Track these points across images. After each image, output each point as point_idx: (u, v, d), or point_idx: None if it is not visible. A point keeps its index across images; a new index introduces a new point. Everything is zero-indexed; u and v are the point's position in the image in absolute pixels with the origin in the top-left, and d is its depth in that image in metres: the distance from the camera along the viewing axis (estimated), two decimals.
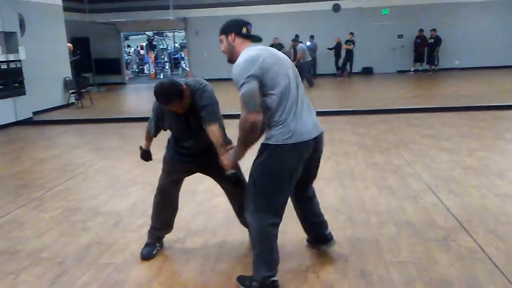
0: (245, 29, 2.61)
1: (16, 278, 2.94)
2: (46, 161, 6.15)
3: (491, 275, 2.72)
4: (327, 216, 3.70)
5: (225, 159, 2.68)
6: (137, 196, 4.48)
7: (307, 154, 2.56)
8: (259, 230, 2.54)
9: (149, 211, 3.66)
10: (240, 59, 2.44)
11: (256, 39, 2.64)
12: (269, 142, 2.46)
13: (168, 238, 3.31)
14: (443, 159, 5.30)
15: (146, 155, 3.34)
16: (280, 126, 2.44)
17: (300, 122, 2.48)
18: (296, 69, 2.65)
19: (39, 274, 2.98)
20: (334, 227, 3.51)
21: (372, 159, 5.44)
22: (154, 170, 5.39)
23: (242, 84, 2.36)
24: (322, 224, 3.05)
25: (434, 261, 2.92)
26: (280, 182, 2.50)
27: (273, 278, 2.55)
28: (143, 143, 3.31)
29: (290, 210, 2.83)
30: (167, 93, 2.72)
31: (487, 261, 2.89)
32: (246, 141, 2.46)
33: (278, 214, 2.55)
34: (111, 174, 5.39)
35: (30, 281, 2.90)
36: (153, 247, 3.19)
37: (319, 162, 2.81)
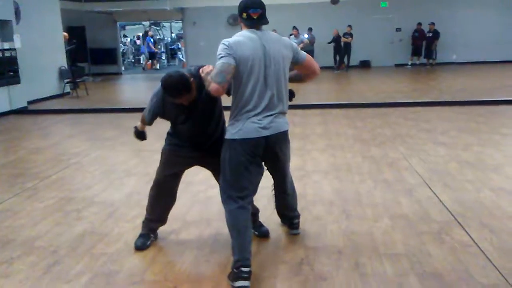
0: (245, 14, 2.70)
1: (9, 267, 2.93)
2: (41, 151, 6.12)
3: (484, 268, 2.73)
4: (321, 209, 3.72)
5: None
6: (132, 187, 4.47)
7: (260, 150, 2.71)
8: (228, 215, 2.73)
9: (144, 201, 3.64)
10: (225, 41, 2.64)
11: (255, 23, 2.70)
12: (225, 137, 2.75)
13: (163, 229, 3.30)
14: (439, 153, 5.30)
15: (141, 135, 3.19)
16: (232, 121, 2.70)
17: (253, 120, 2.64)
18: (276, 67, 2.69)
19: (33, 263, 2.97)
20: (329, 220, 3.53)
21: (368, 153, 5.44)
22: (150, 160, 5.40)
23: (221, 57, 2.58)
24: (292, 218, 3.26)
25: (427, 254, 2.93)
26: (238, 172, 2.70)
27: (242, 268, 2.56)
28: (138, 124, 3.20)
29: None
30: (176, 87, 2.68)
31: (480, 255, 2.90)
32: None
33: (242, 198, 2.72)
34: (106, 164, 5.37)
35: (23, 270, 2.89)
36: (147, 238, 3.18)
37: (280, 161, 2.92)
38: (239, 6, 2.73)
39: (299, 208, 3.33)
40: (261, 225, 3.29)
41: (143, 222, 3.22)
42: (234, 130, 2.67)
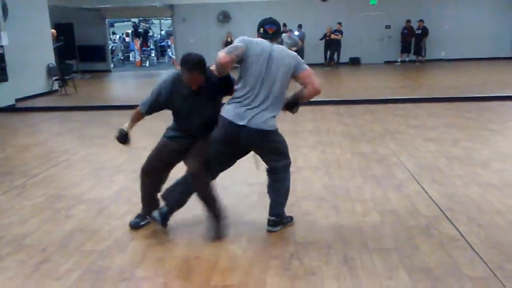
0: (262, 29, 3.16)
1: None
2: (29, 149, 6.06)
3: (472, 262, 2.77)
4: (311, 204, 3.74)
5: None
6: (121, 184, 4.45)
7: (232, 136, 3.00)
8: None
9: (134, 199, 3.65)
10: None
11: (270, 37, 3.12)
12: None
13: (152, 226, 3.29)
14: (428, 149, 5.35)
15: (124, 138, 3.33)
16: (228, 102, 3.07)
17: (239, 106, 2.98)
18: (284, 70, 3.02)
19: (22, 260, 2.95)
20: (318, 215, 3.55)
21: (358, 149, 5.47)
22: (139, 158, 5.35)
23: (235, 43, 3.04)
24: (271, 211, 3.27)
25: (416, 248, 2.96)
26: (214, 146, 3.09)
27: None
28: (124, 125, 3.29)
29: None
30: (195, 61, 3.00)
31: (468, 249, 2.93)
32: (216, 67, 3.03)
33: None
34: (95, 161, 5.33)
35: (12, 267, 2.87)
36: (141, 219, 3.35)
37: (266, 153, 3.17)
38: (259, 23, 3.19)
39: (288, 203, 3.34)
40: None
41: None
42: (223, 110, 3.06)
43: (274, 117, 3.06)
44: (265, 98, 2.99)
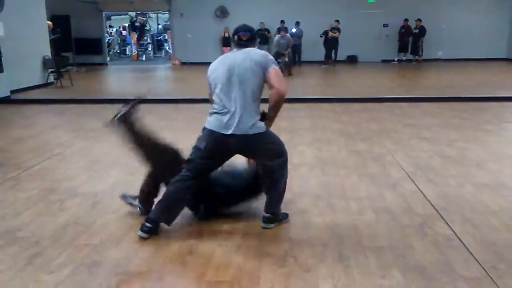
0: (236, 36, 3.21)
1: None
2: (23, 141, 6.02)
3: (466, 261, 2.78)
4: (307, 202, 3.74)
5: None
6: (116, 178, 4.43)
7: (222, 145, 3.00)
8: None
9: (128, 192, 3.62)
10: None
11: (242, 44, 3.18)
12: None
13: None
14: (423, 148, 5.36)
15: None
16: (210, 114, 3.10)
17: (220, 116, 3.01)
18: (250, 72, 3.03)
19: (15, 253, 2.93)
20: (314, 213, 3.55)
21: (354, 147, 5.47)
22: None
23: None
24: (266, 208, 3.26)
25: (410, 247, 2.97)
26: (196, 154, 3.08)
27: (144, 222, 3.09)
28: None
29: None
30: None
31: (462, 248, 2.94)
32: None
33: (190, 170, 3.09)
34: (90, 155, 5.31)
35: (5, 260, 2.85)
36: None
37: (251, 155, 3.22)
38: (234, 30, 3.24)
39: (284, 200, 3.34)
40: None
41: None
42: (207, 122, 3.10)
43: (260, 120, 3.06)
44: (239, 101, 2.98)
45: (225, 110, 3.00)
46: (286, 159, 3.23)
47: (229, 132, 2.97)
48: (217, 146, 3.03)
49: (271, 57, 3.15)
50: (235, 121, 2.97)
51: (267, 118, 3.14)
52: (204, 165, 3.12)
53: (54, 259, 2.85)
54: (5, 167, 4.83)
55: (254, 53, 3.10)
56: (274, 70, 3.05)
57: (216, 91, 3.09)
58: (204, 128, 3.09)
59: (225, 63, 3.10)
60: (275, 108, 3.11)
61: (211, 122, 3.05)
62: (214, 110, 3.07)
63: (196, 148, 3.11)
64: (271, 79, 3.04)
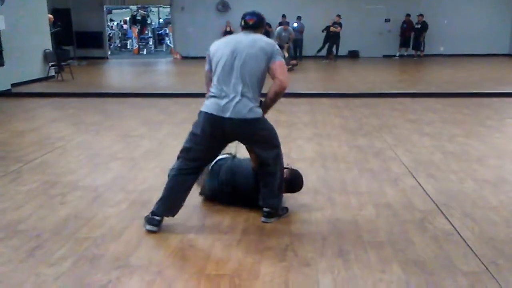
0: (243, 21, 3.16)
1: None
2: (24, 134, 6.02)
3: (465, 256, 2.78)
4: (307, 196, 3.74)
5: None
6: (117, 172, 4.43)
7: (218, 129, 2.98)
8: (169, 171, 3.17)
9: (129, 186, 3.63)
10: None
11: (249, 27, 3.14)
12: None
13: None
14: (424, 144, 5.36)
15: None
16: (207, 98, 3.09)
17: (218, 100, 2.98)
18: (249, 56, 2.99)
19: (15, 246, 2.94)
20: (314, 207, 3.55)
21: (354, 142, 5.47)
22: (135, 145, 5.36)
23: None
24: (266, 204, 3.26)
25: (410, 242, 2.97)
26: (193, 141, 3.06)
27: (150, 215, 3.11)
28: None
29: None
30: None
31: (461, 243, 2.95)
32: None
33: (188, 159, 3.07)
34: (91, 148, 5.31)
35: (6, 253, 2.86)
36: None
37: (246, 142, 3.16)
38: (242, 16, 3.20)
39: (284, 195, 3.33)
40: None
41: None
42: (204, 105, 3.08)
43: (258, 106, 3.03)
44: (239, 86, 2.95)
45: (223, 94, 2.97)
46: (280, 151, 3.21)
47: (227, 115, 2.93)
48: (214, 129, 2.99)
49: (278, 47, 3.09)
50: (232, 104, 2.94)
51: (262, 107, 3.11)
52: (201, 153, 3.07)
53: (55, 252, 2.86)
54: (6, 160, 4.84)
55: (261, 40, 3.05)
56: (279, 62, 3.02)
57: (216, 72, 3.04)
58: (201, 112, 3.05)
59: (229, 44, 3.04)
60: (274, 99, 3.09)
61: (208, 106, 3.01)
62: (212, 94, 3.03)
63: (192, 134, 3.08)
64: (275, 69, 3.01)
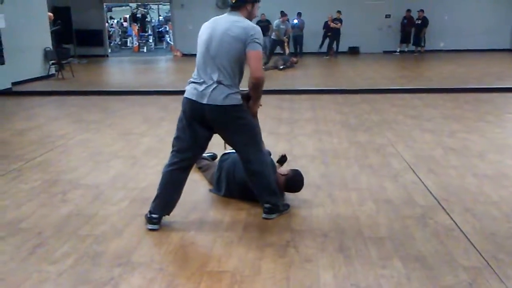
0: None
1: None
2: (26, 133, 6.03)
3: (466, 252, 2.79)
4: (308, 192, 3.74)
5: None
6: (118, 169, 4.44)
7: (198, 113, 2.99)
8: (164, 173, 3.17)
9: (130, 184, 3.64)
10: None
11: (231, 7, 3.03)
12: None
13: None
14: (425, 139, 5.36)
15: None
16: (188, 83, 3.09)
17: (197, 86, 2.99)
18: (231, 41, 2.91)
19: (18, 244, 2.95)
20: (315, 204, 3.56)
21: (355, 138, 5.47)
22: (135, 143, 5.36)
23: None
24: (263, 201, 3.26)
25: (411, 237, 2.98)
26: (179, 129, 3.08)
27: (149, 215, 3.14)
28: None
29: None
30: None
31: (462, 239, 2.95)
32: None
33: (179, 151, 3.08)
34: (91, 147, 5.32)
35: (8, 251, 2.87)
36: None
37: (225, 132, 3.12)
38: None
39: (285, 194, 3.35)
40: None
41: None
42: (186, 91, 3.08)
43: (237, 93, 2.98)
44: (215, 74, 2.93)
45: (201, 80, 2.98)
46: (264, 154, 3.19)
47: (204, 101, 2.95)
48: (194, 113, 3.00)
49: (257, 34, 2.90)
50: (209, 91, 2.93)
51: (251, 99, 3.09)
52: (189, 141, 3.04)
53: (57, 249, 2.87)
54: (7, 158, 4.85)
55: (237, 26, 2.90)
56: (253, 52, 2.88)
57: (197, 58, 3.06)
58: (184, 98, 3.08)
59: (207, 30, 3.01)
60: (254, 90, 3.03)
61: (188, 91, 3.04)
62: (192, 79, 3.05)
63: (178, 122, 3.10)
64: (248, 61, 2.92)
